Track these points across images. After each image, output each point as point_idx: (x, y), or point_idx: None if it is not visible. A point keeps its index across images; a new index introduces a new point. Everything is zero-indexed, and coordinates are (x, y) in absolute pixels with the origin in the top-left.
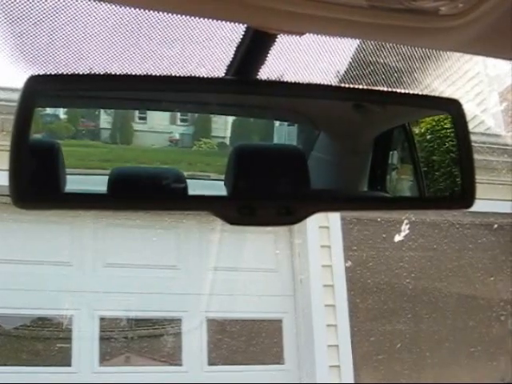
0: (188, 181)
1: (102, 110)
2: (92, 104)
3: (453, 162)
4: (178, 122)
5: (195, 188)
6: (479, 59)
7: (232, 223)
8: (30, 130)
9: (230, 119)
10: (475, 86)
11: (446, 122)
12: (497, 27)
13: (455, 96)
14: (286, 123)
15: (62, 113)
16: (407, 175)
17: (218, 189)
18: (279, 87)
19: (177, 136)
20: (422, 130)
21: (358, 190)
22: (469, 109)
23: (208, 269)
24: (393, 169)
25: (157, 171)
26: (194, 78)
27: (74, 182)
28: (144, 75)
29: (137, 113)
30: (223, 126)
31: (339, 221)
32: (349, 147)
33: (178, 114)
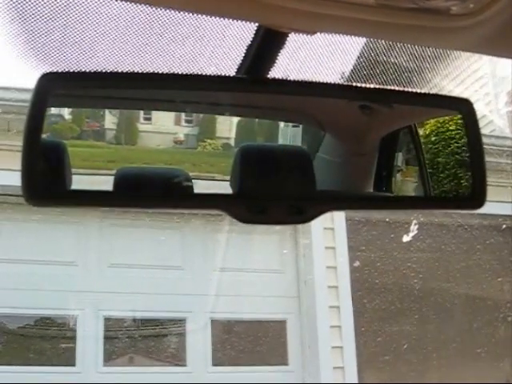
0: (193, 181)
1: (106, 111)
2: (104, 103)
3: (458, 163)
4: (183, 123)
5: (200, 188)
6: (488, 59)
7: (244, 221)
8: (42, 128)
9: (235, 120)
10: (483, 86)
11: (451, 123)
12: (508, 27)
13: (464, 95)
14: (290, 124)
15: (66, 113)
16: (413, 177)
17: (223, 189)
18: (289, 86)
19: (182, 137)
20: (427, 132)
21: (364, 191)
22: (477, 109)
23: (213, 269)
24: (398, 170)
25: (162, 170)
26: (205, 76)
27: (79, 183)
28: (156, 73)
29: (142, 113)
30: (228, 126)
31: (344, 222)
32: (354, 148)
33: (183, 115)
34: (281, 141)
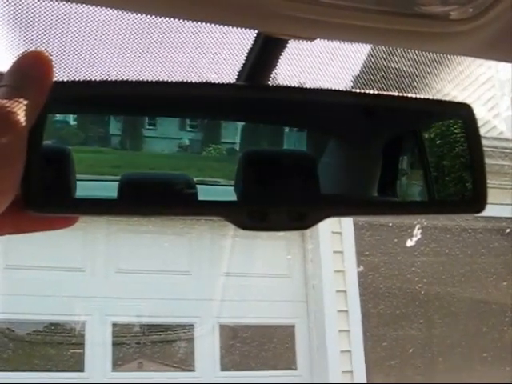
0: (198, 186)
1: (111, 117)
2: (105, 110)
3: (462, 166)
4: (188, 128)
5: (205, 194)
6: (491, 64)
7: (244, 228)
8: (43, 135)
9: (240, 125)
10: (487, 91)
11: (455, 127)
12: (507, 31)
13: (468, 100)
14: (295, 129)
15: (72, 119)
16: (417, 180)
17: (228, 194)
18: (290, 92)
19: (186, 142)
20: (432, 136)
21: (369, 196)
22: (482, 114)
23: (220, 274)
24: (403, 174)
25: (167, 176)
26: (206, 83)
27: (84, 188)
28: (156, 81)
29: (146, 119)
30: (233, 131)
31: (352, 226)
32: (359, 152)
33: (188, 120)
34: (286, 145)
